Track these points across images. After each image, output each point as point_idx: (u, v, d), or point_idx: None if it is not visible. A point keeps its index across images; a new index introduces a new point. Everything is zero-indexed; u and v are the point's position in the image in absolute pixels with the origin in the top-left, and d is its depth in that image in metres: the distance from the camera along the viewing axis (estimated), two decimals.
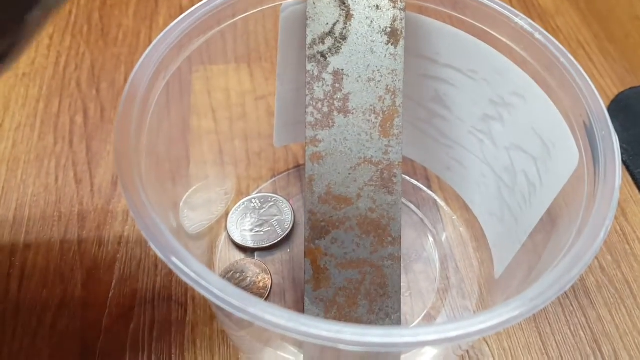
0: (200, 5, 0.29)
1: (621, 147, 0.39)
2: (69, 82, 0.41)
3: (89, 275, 0.33)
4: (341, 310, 0.29)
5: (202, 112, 0.34)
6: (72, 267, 0.33)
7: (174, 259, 0.20)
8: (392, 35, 0.29)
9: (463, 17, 0.30)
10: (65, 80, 0.41)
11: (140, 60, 0.26)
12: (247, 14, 0.31)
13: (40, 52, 0.43)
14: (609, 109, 0.42)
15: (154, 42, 0.27)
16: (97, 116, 0.39)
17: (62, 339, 0.31)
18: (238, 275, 0.32)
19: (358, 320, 0.29)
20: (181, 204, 0.32)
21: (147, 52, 0.27)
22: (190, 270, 0.20)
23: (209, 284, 0.19)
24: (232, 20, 0.30)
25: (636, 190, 0.38)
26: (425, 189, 0.38)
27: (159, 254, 0.20)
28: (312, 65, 0.29)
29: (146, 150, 0.26)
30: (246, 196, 0.36)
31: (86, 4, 0.46)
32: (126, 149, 0.23)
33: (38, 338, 0.31)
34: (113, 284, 0.32)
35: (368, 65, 0.29)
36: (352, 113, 0.29)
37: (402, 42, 0.29)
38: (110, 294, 0.32)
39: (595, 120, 0.25)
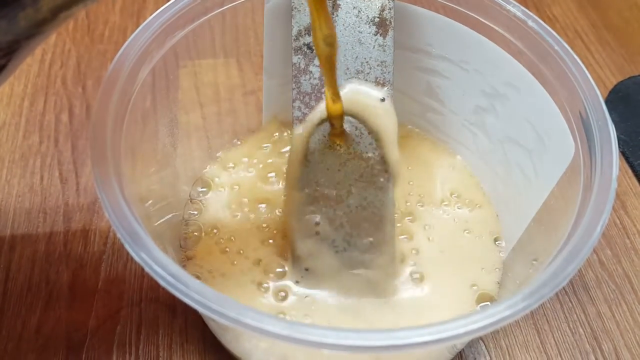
0: None
1: (620, 138, 0.38)
2: (54, 80, 0.40)
3: (74, 276, 0.32)
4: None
5: (190, 107, 0.33)
6: (57, 269, 0.32)
7: (154, 265, 0.19)
8: (381, 26, 0.28)
9: (456, 6, 0.29)
10: (50, 77, 0.40)
11: (122, 48, 0.26)
12: (235, 3, 0.30)
13: None
14: (607, 100, 0.41)
15: (137, 30, 0.26)
16: (82, 114, 0.38)
17: (47, 342, 0.30)
18: None
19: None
20: (168, 200, 0.31)
21: (129, 40, 0.26)
22: (167, 273, 0.19)
23: (187, 288, 0.19)
24: (220, 10, 0.29)
25: (636, 182, 0.37)
26: None
27: (133, 254, 0.20)
28: (299, 58, 0.28)
29: (130, 146, 0.25)
30: None
31: None
32: (102, 145, 0.23)
33: (23, 342, 0.30)
34: (99, 285, 0.32)
35: (356, 57, 0.28)
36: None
37: (391, 33, 0.28)
38: (96, 296, 0.31)
39: (591, 111, 0.24)
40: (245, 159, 0.34)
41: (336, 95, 0.26)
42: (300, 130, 0.28)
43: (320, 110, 0.28)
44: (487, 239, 0.31)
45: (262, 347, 0.26)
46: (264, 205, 0.32)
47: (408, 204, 0.32)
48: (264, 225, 0.31)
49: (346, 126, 0.28)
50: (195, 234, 0.31)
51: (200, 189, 0.33)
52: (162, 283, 0.19)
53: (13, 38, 0.17)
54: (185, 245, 0.31)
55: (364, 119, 0.28)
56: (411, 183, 0.33)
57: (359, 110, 0.28)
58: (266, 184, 0.33)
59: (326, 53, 0.24)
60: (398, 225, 0.31)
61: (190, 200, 0.32)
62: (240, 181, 0.33)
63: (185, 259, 0.30)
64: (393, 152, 0.28)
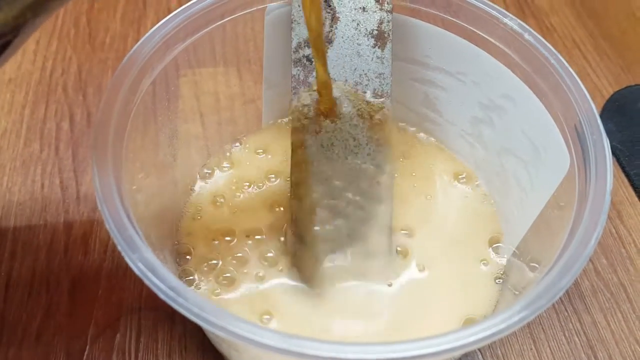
0: (187, 7, 0.28)
1: (616, 147, 0.38)
2: (55, 88, 0.40)
3: (74, 284, 0.32)
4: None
5: (190, 116, 0.33)
6: (58, 277, 0.32)
7: (151, 276, 0.20)
8: (379, 38, 0.29)
9: (453, 19, 0.30)
10: (51, 85, 0.41)
11: (124, 60, 0.26)
12: (235, 15, 0.30)
13: (27, 57, 0.42)
14: (604, 109, 0.41)
15: (139, 42, 0.27)
16: (83, 122, 0.39)
17: (47, 349, 0.30)
18: None
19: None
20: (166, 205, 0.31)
21: (131, 52, 0.26)
22: (166, 286, 0.19)
23: (187, 301, 0.19)
24: (220, 22, 0.30)
25: (632, 192, 0.37)
26: None
27: (132, 266, 0.20)
28: (298, 70, 0.29)
29: (131, 155, 0.26)
30: None
31: (73, 8, 0.45)
32: (104, 156, 0.23)
33: (23, 349, 0.30)
34: (99, 293, 0.32)
35: (355, 69, 0.29)
36: (340, 118, 0.29)
37: (389, 45, 0.29)
38: (96, 304, 0.31)
39: (586, 124, 0.25)
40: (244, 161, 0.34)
41: (324, 69, 0.26)
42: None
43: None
44: (485, 245, 0.31)
45: (259, 358, 0.26)
46: (261, 204, 0.32)
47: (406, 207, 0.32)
48: (261, 223, 0.31)
49: (343, 136, 0.28)
50: (192, 234, 0.31)
51: (197, 190, 0.33)
52: (161, 296, 0.19)
53: (19, 12, 0.17)
54: (180, 241, 0.31)
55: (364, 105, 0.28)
56: (415, 185, 0.33)
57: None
58: (263, 186, 0.33)
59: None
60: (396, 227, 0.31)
61: (187, 201, 0.33)
62: (237, 182, 0.33)
63: (182, 259, 0.30)
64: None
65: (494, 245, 0.31)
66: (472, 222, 0.32)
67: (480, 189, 0.33)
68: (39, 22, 0.19)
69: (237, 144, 0.35)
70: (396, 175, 0.31)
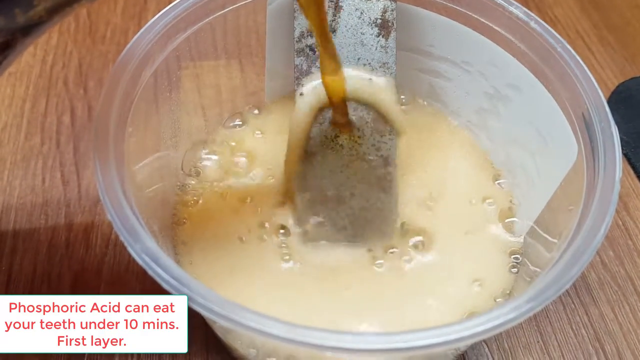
0: None
1: (622, 139, 0.38)
2: (55, 81, 0.40)
3: (76, 279, 0.32)
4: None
5: (192, 109, 0.33)
6: (59, 271, 0.32)
7: (154, 266, 0.19)
8: (383, 27, 0.28)
9: (458, 8, 0.29)
10: (52, 79, 0.40)
11: (125, 50, 0.26)
12: (237, 5, 0.30)
13: (27, 50, 0.42)
14: (609, 101, 0.41)
15: (138, 33, 0.26)
16: (84, 116, 0.38)
17: None
18: None
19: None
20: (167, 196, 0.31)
21: (131, 42, 0.26)
22: (170, 276, 0.19)
23: (190, 291, 0.19)
24: (221, 12, 0.29)
25: (638, 184, 0.37)
26: None
27: (136, 257, 0.20)
28: (301, 60, 0.28)
29: (132, 148, 0.25)
30: None
31: None
32: (106, 146, 0.23)
33: None
34: (101, 287, 0.32)
35: (358, 59, 0.28)
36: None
37: (393, 34, 0.28)
38: None
39: (594, 112, 0.24)
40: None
41: (335, 63, 0.25)
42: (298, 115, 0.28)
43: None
44: (497, 218, 0.30)
45: (265, 348, 0.26)
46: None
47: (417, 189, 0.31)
48: (262, 213, 0.31)
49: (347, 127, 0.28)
50: (194, 225, 0.31)
51: (198, 179, 0.32)
52: (165, 286, 0.19)
53: (10, 34, 0.17)
54: (181, 231, 0.31)
55: (361, 96, 0.27)
56: (423, 160, 0.32)
57: (355, 89, 0.27)
58: (264, 175, 0.33)
59: None
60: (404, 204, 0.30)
61: (189, 191, 0.32)
62: (238, 170, 0.33)
63: (183, 249, 0.30)
64: (395, 113, 0.28)
65: (506, 221, 0.30)
66: (483, 196, 0.31)
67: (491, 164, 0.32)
68: (28, 42, 0.19)
69: (239, 127, 0.34)
70: (400, 160, 0.30)
